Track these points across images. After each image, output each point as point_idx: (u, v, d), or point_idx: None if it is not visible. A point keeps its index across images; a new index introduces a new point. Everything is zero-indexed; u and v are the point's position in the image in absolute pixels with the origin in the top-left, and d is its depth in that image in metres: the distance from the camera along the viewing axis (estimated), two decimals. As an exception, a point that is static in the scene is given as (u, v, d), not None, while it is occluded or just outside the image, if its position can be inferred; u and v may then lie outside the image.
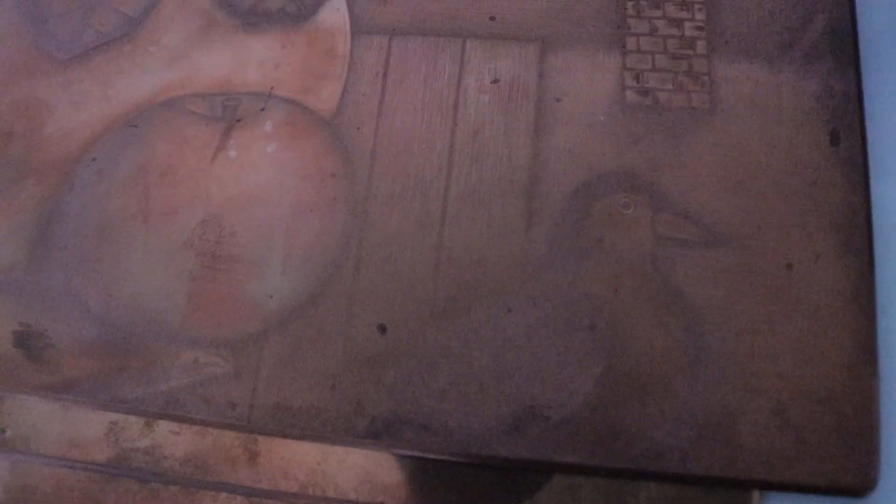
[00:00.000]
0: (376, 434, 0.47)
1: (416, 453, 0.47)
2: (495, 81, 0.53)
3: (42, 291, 0.51)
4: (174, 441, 0.49)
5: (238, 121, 0.53)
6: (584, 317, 0.48)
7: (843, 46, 0.51)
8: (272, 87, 0.54)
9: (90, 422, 0.50)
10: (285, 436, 0.48)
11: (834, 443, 0.45)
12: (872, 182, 0.49)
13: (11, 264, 0.51)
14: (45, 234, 0.52)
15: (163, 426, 0.50)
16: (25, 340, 0.50)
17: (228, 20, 0.56)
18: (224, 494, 0.49)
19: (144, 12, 0.57)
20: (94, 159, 0.53)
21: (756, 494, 0.46)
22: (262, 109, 0.53)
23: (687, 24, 0.53)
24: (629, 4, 0.54)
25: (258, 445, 0.49)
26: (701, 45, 0.52)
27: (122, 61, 0.56)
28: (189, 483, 0.49)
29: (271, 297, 0.49)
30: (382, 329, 0.48)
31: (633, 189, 0.50)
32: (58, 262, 0.51)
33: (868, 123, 0.50)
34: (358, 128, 0.52)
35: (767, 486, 0.46)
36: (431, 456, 0.47)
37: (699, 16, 0.53)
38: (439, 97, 0.53)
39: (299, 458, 0.48)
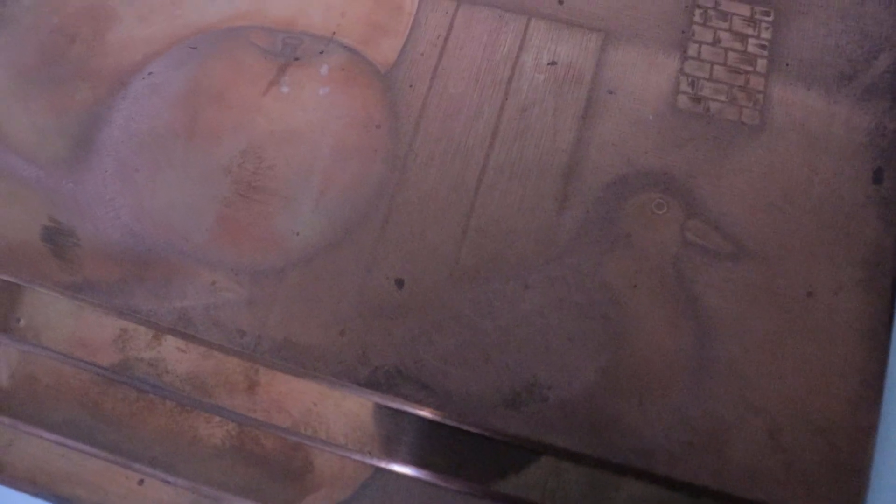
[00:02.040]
0: (376, 384, 0.47)
1: (412, 410, 0.47)
2: (552, 63, 0.53)
3: (77, 192, 0.52)
4: (179, 358, 0.50)
5: (296, 59, 0.54)
6: (598, 306, 0.48)
7: (903, 88, 0.51)
8: (334, 33, 0.54)
9: (101, 325, 0.51)
10: (287, 371, 0.49)
11: (823, 474, 0.45)
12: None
13: (53, 160, 0.52)
14: (90, 137, 0.53)
15: (170, 341, 0.50)
16: (54, 236, 0.51)
17: (304, -39, 0.57)
18: (217, 418, 0.49)
19: (225, -61, 0.58)
20: (150, 73, 0.54)
21: (737, 510, 0.46)
22: (322, 52, 0.54)
23: (751, 41, 0.53)
24: (697, 11, 0.54)
25: (259, 376, 0.49)
26: (761, 63, 0.52)
27: (194, -17, 0.56)
28: (185, 401, 0.49)
29: (297, 234, 0.50)
30: (400, 283, 0.49)
31: (669, 191, 0.50)
32: (98, 166, 0.52)
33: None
34: (411, 85, 0.53)
35: (748, 504, 0.46)
36: (426, 415, 0.47)
37: (765, 34, 0.53)
38: (495, 69, 0.53)
39: (296, 395, 0.49)
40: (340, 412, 0.49)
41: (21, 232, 0.51)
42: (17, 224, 0.51)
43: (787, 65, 0.52)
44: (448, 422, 0.47)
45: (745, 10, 0.54)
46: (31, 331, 0.51)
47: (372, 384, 0.47)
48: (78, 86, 0.54)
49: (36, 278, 0.50)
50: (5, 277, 0.51)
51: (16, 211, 0.52)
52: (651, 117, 0.51)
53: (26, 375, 0.51)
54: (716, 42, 0.53)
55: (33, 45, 0.55)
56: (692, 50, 0.53)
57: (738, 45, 0.53)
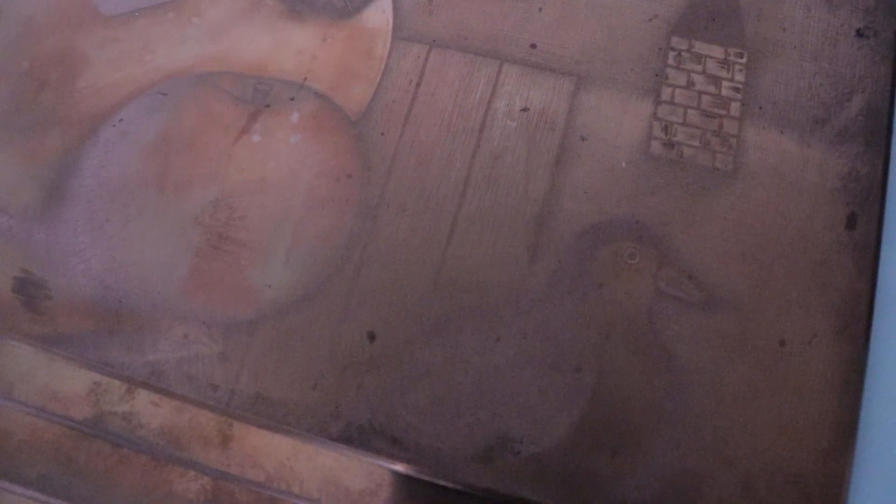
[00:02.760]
0: (349, 439, 0.47)
1: (385, 464, 0.47)
2: (525, 109, 0.53)
3: (48, 242, 0.52)
4: (152, 412, 0.50)
5: (267, 106, 0.54)
6: (571, 358, 0.48)
7: (876, 131, 0.51)
8: (305, 78, 0.54)
9: (74, 378, 0.51)
10: (260, 425, 0.48)
11: (796, 526, 0.45)
12: (881, 273, 0.49)
13: (24, 210, 0.52)
14: (60, 186, 0.53)
15: (143, 395, 0.50)
16: (25, 287, 0.51)
17: (275, 4, 0.56)
18: (192, 472, 0.49)
19: (194, -18, 0.57)
20: (120, 120, 0.54)
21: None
22: (293, 99, 0.54)
23: (725, 83, 0.52)
24: (671, 54, 0.53)
25: (232, 430, 0.49)
26: (735, 107, 0.52)
27: (165, 28, 0.56)
28: (160, 455, 0.49)
29: (270, 286, 0.50)
30: (372, 337, 0.49)
31: (642, 240, 0.50)
32: (68, 216, 0.52)
33: (888, 209, 0.50)
34: (382, 133, 0.52)
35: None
36: (399, 469, 0.47)
37: (739, 76, 0.52)
38: (467, 116, 0.53)
39: (270, 450, 0.49)
40: (314, 466, 0.49)
41: (-8, 283, 0.51)
42: (-12, 275, 0.51)
43: (761, 108, 0.52)
44: (421, 476, 0.47)
45: (718, 52, 0.53)
46: (3, 384, 0.51)
47: (345, 439, 0.47)
48: (48, 133, 0.54)
49: (7, 330, 0.50)
50: (-25, 330, 0.51)
51: (-13, 262, 0.51)
52: (624, 164, 0.51)
53: None
54: (689, 85, 0.53)
55: (3, 91, 0.55)
56: (665, 94, 0.52)
57: (711, 88, 0.52)
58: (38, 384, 0.51)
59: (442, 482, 0.47)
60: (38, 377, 0.51)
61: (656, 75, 0.53)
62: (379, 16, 0.55)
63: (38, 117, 0.54)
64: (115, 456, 0.50)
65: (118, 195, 0.52)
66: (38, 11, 0.57)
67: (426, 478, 0.47)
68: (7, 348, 0.51)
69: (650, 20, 0.54)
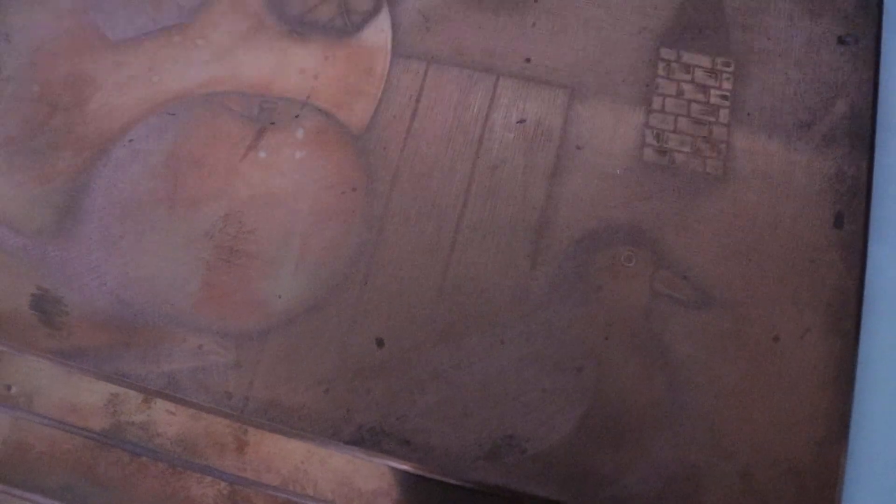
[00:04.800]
0: (360, 442, 0.49)
1: (395, 465, 0.49)
2: (521, 121, 0.55)
3: (64, 260, 0.53)
4: (169, 420, 0.51)
5: (272, 123, 0.55)
6: (573, 359, 0.50)
7: (861, 133, 0.53)
8: (308, 96, 0.56)
9: (92, 390, 0.52)
10: (274, 431, 0.50)
11: (795, 514, 0.47)
12: (868, 269, 0.51)
13: (39, 229, 0.54)
14: (74, 205, 0.54)
15: (160, 405, 0.52)
16: (41, 304, 0.52)
17: (277, 25, 0.58)
18: (209, 478, 0.51)
19: (199, 6, 0.59)
20: (130, 140, 0.55)
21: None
22: (297, 116, 0.56)
23: (713, 92, 0.54)
24: (661, 64, 0.55)
25: (247, 436, 0.51)
26: (723, 114, 0.54)
27: (171, 50, 0.58)
28: (177, 462, 0.51)
29: (280, 296, 0.51)
30: (380, 343, 0.50)
31: (637, 243, 0.51)
32: (83, 234, 0.53)
33: (873, 207, 0.52)
34: (384, 147, 0.54)
35: (724, 547, 0.47)
36: (409, 470, 0.49)
37: (726, 85, 0.55)
38: (466, 129, 0.54)
39: (285, 454, 0.51)
40: (327, 469, 0.50)
41: (9, 300, 0.52)
42: (4, 293, 0.53)
43: (749, 114, 0.54)
44: (431, 476, 0.49)
45: (706, 61, 0.55)
46: (22, 398, 0.52)
47: (356, 441, 0.49)
48: (60, 154, 0.55)
49: (25, 346, 0.52)
50: (-5, 346, 0.52)
51: (3, 280, 0.53)
52: (619, 171, 0.53)
53: (18, 442, 0.52)
54: (679, 94, 0.55)
55: (16, 115, 0.56)
56: (657, 103, 0.54)
57: (700, 97, 0.54)
58: (57, 397, 0.52)
59: (450, 481, 0.48)
60: (57, 390, 0.52)
61: (647, 85, 0.55)
62: (378, 34, 0.57)
63: (50, 140, 0.56)
64: (133, 464, 0.52)
65: (130, 213, 0.54)
66: (48, 38, 0.58)
67: (435, 477, 0.49)
68: (25, 363, 0.53)
69: (639, 32, 0.56)
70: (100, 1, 0.59)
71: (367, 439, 0.49)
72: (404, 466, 0.49)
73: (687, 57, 0.55)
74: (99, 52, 0.58)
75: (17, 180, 0.55)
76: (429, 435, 0.49)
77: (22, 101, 0.57)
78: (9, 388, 0.52)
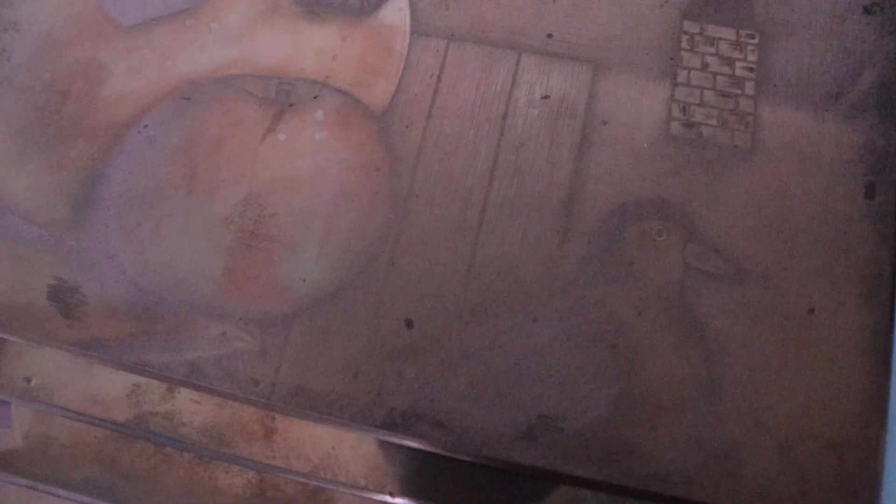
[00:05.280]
0: (392, 425, 0.48)
1: (430, 448, 0.48)
2: (545, 97, 0.54)
3: (80, 249, 0.52)
4: (194, 409, 0.50)
5: (290, 105, 0.54)
6: (606, 335, 0.49)
7: (889, 103, 0.53)
8: (327, 77, 0.55)
9: (113, 381, 0.51)
10: (303, 417, 0.49)
11: (835, 488, 0.46)
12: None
13: (54, 219, 0.53)
14: (89, 194, 0.53)
15: (184, 394, 0.51)
16: (59, 295, 0.51)
17: (292, 6, 0.57)
18: (236, 467, 0.50)
19: (211, -11, 0.58)
20: (145, 126, 0.54)
21: (751, 529, 0.47)
22: (315, 97, 0.55)
23: (738, 64, 0.54)
24: (684, 37, 0.55)
25: (275, 423, 0.50)
26: (749, 86, 0.53)
27: (184, 34, 0.57)
28: (203, 452, 0.50)
29: (304, 280, 0.50)
30: (409, 324, 0.49)
31: (667, 217, 0.51)
32: (99, 222, 0.52)
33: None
34: (407, 126, 0.53)
35: (765, 522, 0.47)
36: (444, 453, 0.48)
37: (751, 57, 0.54)
38: (489, 106, 0.54)
39: (314, 440, 0.50)
40: (359, 454, 0.49)
41: (26, 292, 0.51)
42: (21, 284, 0.52)
43: (775, 86, 0.53)
44: (466, 458, 0.48)
45: (730, 34, 0.55)
46: (42, 390, 0.51)
47: (388, 425, 0.48)
48: (74, 143, 0.54)
49: (44, 338, 0.51)
50: (13, 338, 0.51)
51: (19, 271, 0.52)
52: (646, 145, 0.52)
53: (41, 435, 0.51)
54: (704, 67, 0.54)
55: (27, 104, 0.55)
56: (682, 76, 0.54)
57: (725, 69, 0.54)
58: (78, 389, 0.51)
59: (486, 462, 0.48)
60: (77, 382, 0.51)
61: (671, 59, 0.54)
62: (396, 13, 0.56)
63: (63, 128, 0.55)
64: (158, 455, 0.51)
65: (147, 200, 0.53)
66: (57, 25, 0.57)
67: (470, 459, 0.48)
68: (45, 354, 0.52)
69: (661, 6, 0.56)
70: (110, -14, 0.58)
71: (400, 423, 0.48)
72: (439, 450, 0.48)
73: (710, 30, 0.55)
74: (109, 38, 0.57)
75: (30, 170, 0.54)
76: (463, 416, 0.48)
77: (32, 89, 0.56)
78: (28, 380, 0.51)
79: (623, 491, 0.47)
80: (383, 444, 0.49)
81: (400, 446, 0.49)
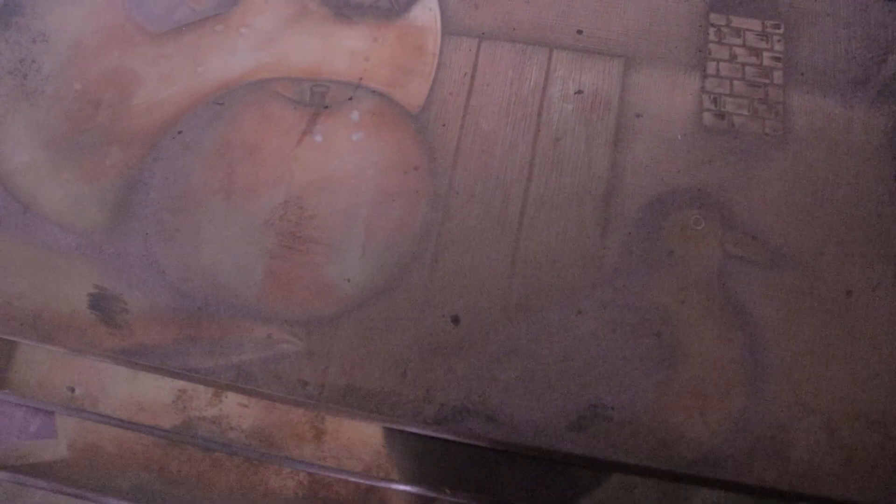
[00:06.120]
0: (443, 421, 0.48)
1: (482, 443, 0.48)
2: (579, 92, 0.55)
3: (120, 257, 0.52)
4: (241, 413, 0.51)
5: (325, 107, 0.55)
6: (650, 324, 0.49)
7: (914, 87, 0.54)
8: (361, 78, 0.55)
9: (159, 387, 0.51)
10: (353, 417, 0.49)
11: (882, 465, 0.47)
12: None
13: (92, 228, 0.53)
14: (126, 201, 0.53)
15: (231, 398, 0.51)
16: (101, 303, 0.51)
17: (321, 9, 0.58)
18: (287, 469, 0.50)
19: (238, -5, 0.58)
20: (179, 132, 0.54)
21: (803, 508, 0.48)
22: (350, 98, 0.55)
23: (765, 54, 0.55)
24: (711, 30, 0.56)
25: (325, 424, 0.50)
26: (777, 75, 0.54)
27: (214, 40, 0.57)
28: (253, 455, 0.50)
29: (349, 280, 0.51)
30: (456, 320, 0.50)
31: (705, 206, 0.52)
32: (137, 229, 0.52)
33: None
34: (443, 125, 0.54)
35: (815, 501, 0.47)
36: (496, 447, 0.48)
37: (778, 47, 0.55)
38: (524, 103, 0.54)
39: (365, 439, 0.50)
40: (410, 452, 0.49)
41: (67, 302, 0.51)
42: (62, 294, 0.51)
43: (803, 74, 0.54)
44: (517, 451, 0.48)
45: (756, 24, 0.56)
46: (87, 399, 0.51)
47: (439, 421, 0.48)
48: (108, 151, 0.54)
49: (87, 347, 0.51)
50: (56, 348, 0.51)
51: (60, 281, 0.52)
52: (680, 137, 0.53)
53: (87, 445, 0.51)
54: (732, 58, 0.55)
55: (59, 114, 0.55)
56: (711, 68, 0.55)
57: (753, 60, 0.55)
58: (123, 397, 0.51)
59: (537, 454, 0.48)
60: (122, 390, 0.51)
61: (699, 51, 0.55)
62: (426, 13, 0.57)
63: (97, 137, 0.55)
64: (207, 461, 0.51)
65: (185, 205, 0.53)
66: (86, 34, 0.57)
67: (522, 452, 0.48)
68: (87, 363, 0.51)
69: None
70: (137, -6, 0.59)
71: (451, 418, 0.48)
72: (491, 444, 0.48)
73: (737, 21, 0.56)
74: (139, 45, 0.57)
75: (65, 179, 0.54)
76: (513, 410, 0.48)
77: (64, 99, 0.56)
78: (72, 390, 0.51)
79: (674, 477, 0.48)
80: (434, 441, 0.50)
81: (451, 442, 0.49)
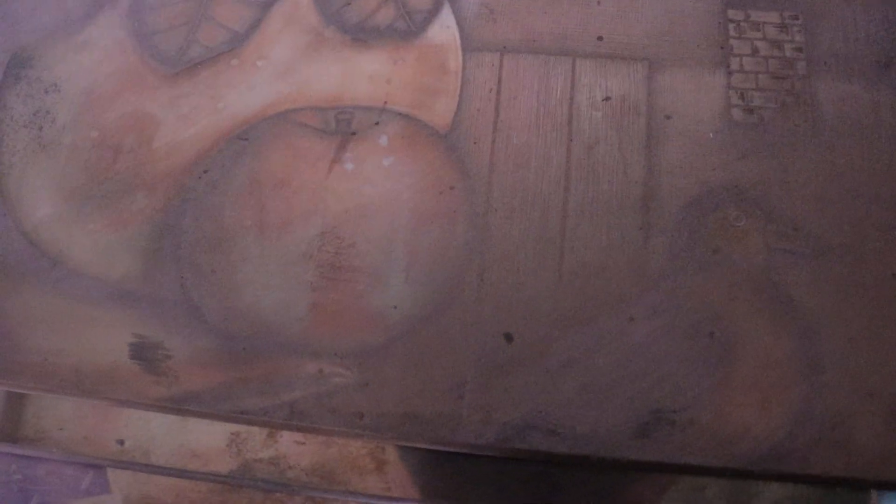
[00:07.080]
0: (506, 440, 0.48)
1: (547, 458, 0.48)
2: (607, 99, 0.54)
3: (156, 303, 0.51)
4: (299, 451, 0.50)
5: (353, 133, 0.54)
6: (702, 324, 0.49)
7: (935, 66, 0.54)
8: (385, 102, 0.55)
9: (210, 433, 0.50)
10: (414, 444, 0.49)
11: (948, 442, 0.47)
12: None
13: (125, 276, 0.52)
14: (157, 245, 0.52)
15: (286, 437, 0.50)
16: (142, 352, 0.50)
17: (337, 35, 0.57)
18: (351, 502, 0.49)
19: (250, 28, 0.57)
20: (205, 171, 0.54)
21: (874, 494, 0.48)
22: (377, 123, 0.54)
23: (787, 46, 0.55)
24: (731, 26, 0.56)
25: (385, 454, 0.50)
26: (801, 66, 0.54)
27: (230, 75, 0.56)
28: (315, 492, 0.49)
29: (395, 307, 0.50)
30: (509, 338, 0.49)
31: (743, 202, 0.52)
32: (172, 273, 0.52)
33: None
34: (475, 142, 0.54)
35: (885, 486, 0.47)
36: (561, 461, 0.48)
37: (798, 37, 0.55)
38: (553, 113, 0.54)
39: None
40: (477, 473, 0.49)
41: (107, 354, 0.50)
42: (101, 346, 0.50)
43: (826, 63, 0.55)
44: (584, 462, 0.48)
45: (774, 17, 0.56)
46: (137, 451, 0.50)
47: (502, 440, 0.48)
48: (134, 197, 0.53)
49: (133, 398, 0.50)
50: (102, 401, 0.50)
51: (97, 333, 0.51)
52: (711, 135, 0.53)
53: (142, 497, 0.50)
54: (754, 52, 0.55)
55: (77, 163, 0.54)
56: (734, 63, 0.55)
57: (776, 52, 0.55)
58: (174, 445, 0.50)
59: (604, 465, 0.48)
60: (173, 438, 0.50)
61: (721, 48, 0.55)
62: (444, 32, 0.56)
63: (120, 184, 0.54)
64: (267, 502, 0.50)
65: (219, 245, 0.52)
66: (98, 81, 0.56)
67: (589, 463, 0.48)
68: (135, 414, 0.51)
69: (703, -3, 0.57)
70: (146, 35, 0.57)
71: (513, 436, 0.48)
72: (557, 459, 0.48)
73: (755, 15, 0.56)
74: (154, 87, 0.56)
75: (91, 229, 0.53)
76: (575, 422, 0.48)
77: (82, 149, 0.55)
78: (121, 443, 0.50)
79: (742, 474, 0.47)
80: (496, 461, 0.49)
81: (511, 460, 0.49)
